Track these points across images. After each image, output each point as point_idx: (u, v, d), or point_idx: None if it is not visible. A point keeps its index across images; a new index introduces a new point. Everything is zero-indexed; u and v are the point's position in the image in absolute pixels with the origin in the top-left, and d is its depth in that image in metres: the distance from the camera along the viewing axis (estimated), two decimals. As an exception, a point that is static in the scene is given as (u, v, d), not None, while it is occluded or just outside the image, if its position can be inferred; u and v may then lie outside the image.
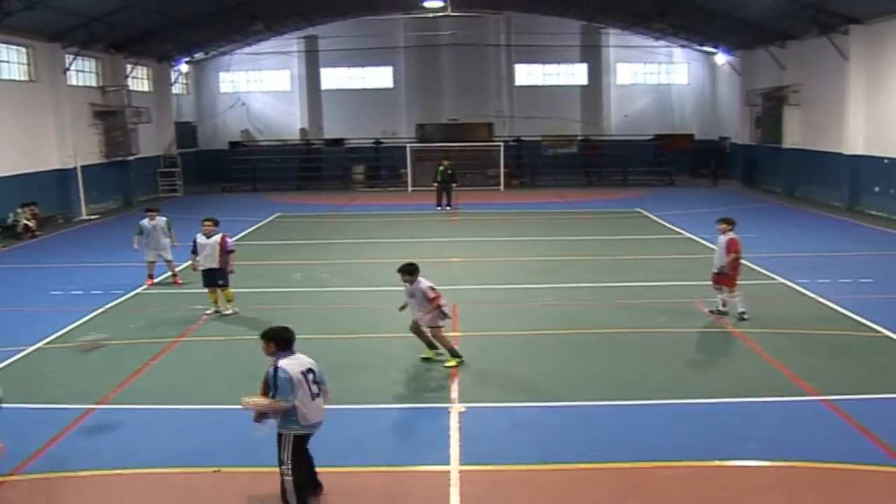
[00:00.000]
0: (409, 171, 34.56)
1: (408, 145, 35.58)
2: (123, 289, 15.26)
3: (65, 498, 7.27)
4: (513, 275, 16.50)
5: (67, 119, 26.46)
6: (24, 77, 25.15)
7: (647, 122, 38.90)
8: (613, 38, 38.53)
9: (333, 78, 39.31)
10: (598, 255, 18.70)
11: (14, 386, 9.53)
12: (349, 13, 36.67)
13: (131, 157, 30.56)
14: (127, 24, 26.46)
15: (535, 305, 13.93)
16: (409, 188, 33.72)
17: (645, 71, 39.91)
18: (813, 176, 28.61)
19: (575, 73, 39.47)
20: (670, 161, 36.28)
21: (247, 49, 38.21)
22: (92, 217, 26.85)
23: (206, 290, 13.48)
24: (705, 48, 36.55)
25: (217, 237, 13.18)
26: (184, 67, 37.00)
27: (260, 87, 40.02)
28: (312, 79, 39.10)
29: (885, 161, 24.07)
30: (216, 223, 13.40)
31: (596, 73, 38.98)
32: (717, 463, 7.59)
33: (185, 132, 37.85)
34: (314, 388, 6.42)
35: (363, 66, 39.14)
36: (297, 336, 6.65)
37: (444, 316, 10.48)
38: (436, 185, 28.07)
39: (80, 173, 26.76)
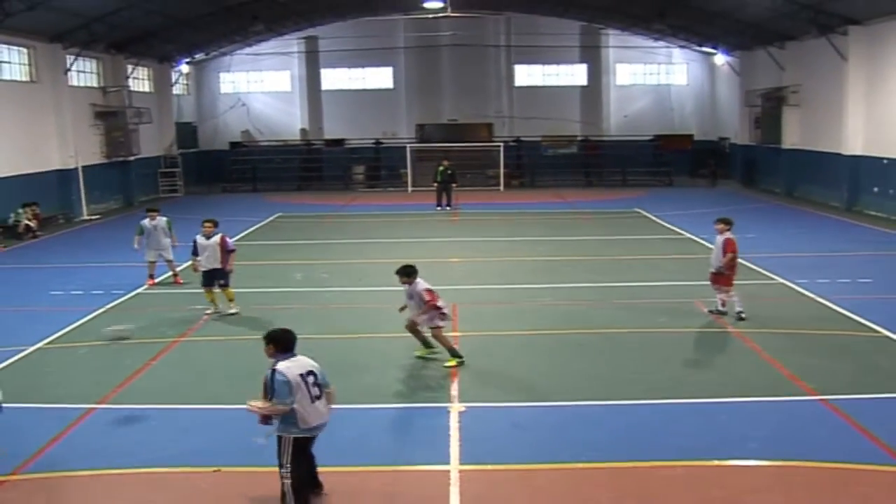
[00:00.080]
0: (409, 171, 34.58)
1: (408, 145, 35.61)
2: (124, 289, 15.29)
3: (65, 498, 7.29)
4: (512, 275, 16.52)
5: (68, 119, 26.49)
6: (25, 78, 25.17)
7: (647, 122, 38.94)
8: (613, 39, 38.56)
9: (334, 78, 39.34)
10: (598, 255, 18.72)
11: (14, 386, 9.57)
12: (349, 14, 36.71)
13: (132, 158, 30.58)
14: (128, 25, 26.48)
15: (535, 305, 13.95)
16: (409, 188, 33.74)
17: (644, 71, 39.94)
18: (812, 176, 28.63)
19: (574, 74, 39.49)
20: (669, 161, 36.30)
21: (247, 50, 38.24)
22: (93, 217, 26.87)
23: (206, 289, 13.44)
24: (704, 49, 36.58)
25: (217, 238, 13.22)
26: (184, 68, 37.03)
27: (260, 87, 40.05)
28: (313, 79, 39.12)
29: (884, 161, 24.09)
30: (216, 224, 13.44)
31: (595, 74, 39.00)
32: (717, 462, 7.61)
33: (186, 133, 37.88)
34: (314, 391, 6.37)
35: (363, 66, 39.16)
36: (297, 336, 6.63)
37: (444, 317, 10.52)
38: (436, 185, 28.09)
39: (81, 174, 26.78)
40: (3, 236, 22.05)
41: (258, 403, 6.36)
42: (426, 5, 31.68)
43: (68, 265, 18.62)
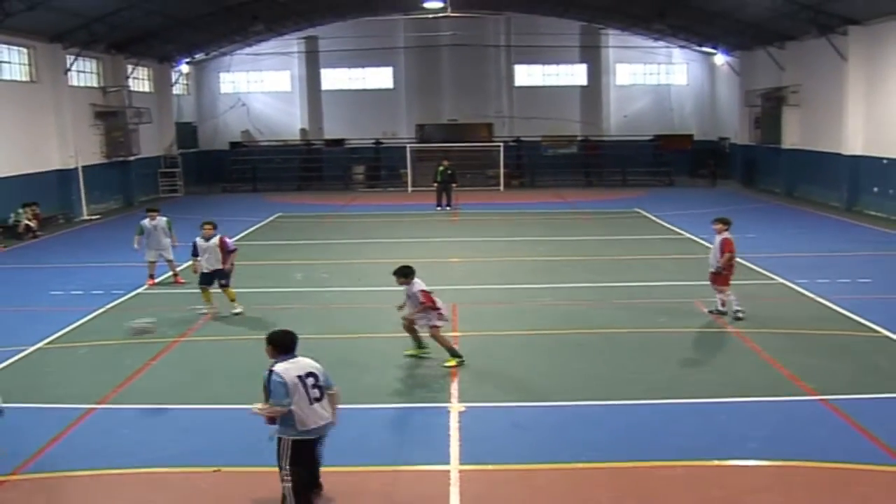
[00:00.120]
0: (409, 171, 34.59)
1: (408, 146, 35.61)
2: (124, 289, 15.29)
3: (65, 498, 7.29)
4: (512, 275, 16.52)
5: (68, 119, 26.50)
6: (25, 78, 25.18)
7: (647, 122, 38.94)
8: (613, 39, 38.56)
9: (333, 78, 39.34)
10: (598, 255, 18.73)
11: (14, 386, 9.59)
12: (349, 14, 36.72)
13: (132, 158, 30.59)
14: (128, 25, 26.48)
15: (535, 305, 13.96)
16: (409, 188, 33.75)
17: (644, 71, 39.95)
18: (812, 176, 28.64)
19: (574, 74, 39.50)
20: (669, 161, 36.31)
21: (247, 50, 38.25)
22: (93, 217, 26.87)
23: (203, 289, 13.41)
24: (704, 49, 36.59)
25: (216, 239, 13.22)
26: (184, 68, 37.04)
27: (260, 87, 40.05)
28: (313, 79, 39.13)
29: (884, 161, 24.10)
30: (215, 227, 13.46)
31: (595, 74, 39.01)
32: (716, 462, 7.61)
33: (186, 133, 37.88)
34: (314, 393, 6.31)
35: (363, 66, 39.17)
36: (298, 337, 6.58)
37: (443, 317, 10.52)
38: (436, 185, 28.09)
39: (81, 174, 26.78)
40: (3, 236, 22.05)
41: (259, 405, 6.35)
42: (426, 5, 31.69)
43: (68, 265, 18.62)
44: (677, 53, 39.20)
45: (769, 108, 31.10)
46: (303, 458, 6.41)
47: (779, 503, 6.87)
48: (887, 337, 11.47)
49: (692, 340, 11.80)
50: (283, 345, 6.42)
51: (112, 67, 29.97)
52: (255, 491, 7.19)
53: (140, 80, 32.86)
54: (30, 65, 25.31)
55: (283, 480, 6.36)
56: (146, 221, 15.86)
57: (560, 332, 12.11)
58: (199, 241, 13.31)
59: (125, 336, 11.91)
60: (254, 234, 22.83)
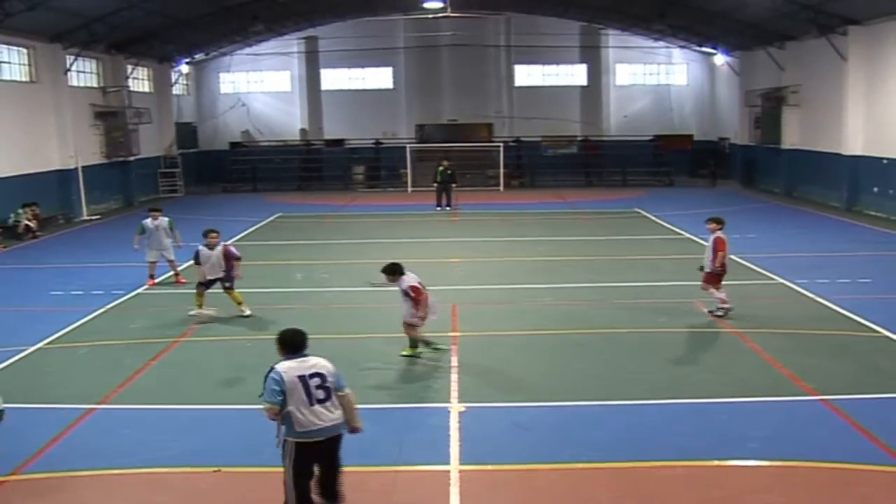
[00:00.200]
0: (409, 171, 34.58)
1: (408, 146, 35.60)
2: (124, 289, 15.29)
3: (65, 498, 7.27)
4: (512, 275, 16.52)
5: (68, 120, 26.49)
6: (25, 78, 25.17)
7: (647, 122, 38.94)
8: (613, 39, 38.55)
9: (333, 78, 39.33)
10: (598, 255, 18.73)
11: (14, 386, 9.59)
12: (349, 14, 36.71)
13: (132, 158, 30.58)
14: (128, 25, 26.48)
15: (535, 305, 13.95)
16: (409, 188, 33.74)
17: (644, 72, 39.94)
18: (812, 176, 28.64)
19: (574, 74, 39.49)
20: (669, 161, 36.31)
21: (247, 50, 38.24)
22: (93, 217, 26.87)
23: (200, 290, 13.18)
24: (704, 49, 36.59)
25: (220, 248, 13.12)
26: (184, 68, 37.02)
27: (260, 87, 40.05)
28: (312, 79, 39.12)
29: (884, 161, 24.10)
30: (219, 234, 13.40)
31: (595, 74, 39.00)
32: (716, 463, 7.61)
33: (186, 133, 37.87)
34: (318, 394, 6.14)
35: (363, 66, 39.16)
36: (307, 335, 6.44)
37: (423, 320, 10.49)
38: (436, 185, 28.08)
39: (80, 174, 26.77)
40: (3, 236, 22.04)
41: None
42: (426, 5, 31.69)
43: (68, 265, 18.62)
44: (677, 53, 39.20)
45: (769, 108, 31.10)
46: (308, 461, 6.25)
47: (779, 503, 6.87)
48: (887, 337, 11.47)
49: (692, 340, 11.80)
50: (290, 344, 6.32)
51: (112, 67, 29.97)
52: (255, 491, 7.19)
53: (140, 80, 32.86)
54: (30, 65, 25.30)
55: (284, 482, 6.26)
56: (148, 221, 15.83)
57: (560, 332, 12.11)
58: (202, 249, 13.09)
59: (126, 336, 11.88)
60: (254, 235, 22.83)
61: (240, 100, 39.59)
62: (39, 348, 11.58)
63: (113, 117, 29.46)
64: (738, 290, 13.61)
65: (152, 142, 33.00)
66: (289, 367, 6.17)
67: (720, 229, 12.63)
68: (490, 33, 38.14)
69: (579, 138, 38.59)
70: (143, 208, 20.19)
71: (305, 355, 6.31)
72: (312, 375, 6.19)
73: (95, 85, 29.44)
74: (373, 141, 37.99)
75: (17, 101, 24.39)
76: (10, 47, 24.33)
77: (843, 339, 11.53)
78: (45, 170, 25.63)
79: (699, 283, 12.97)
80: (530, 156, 37.93)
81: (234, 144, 39.18)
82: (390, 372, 10.36)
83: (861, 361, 10.48)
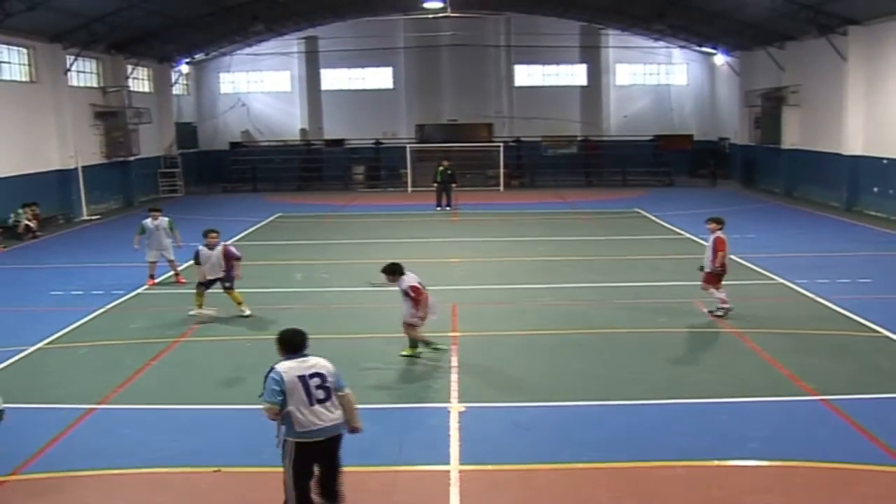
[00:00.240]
0: (409, 171, 34.58)
1: (408, 146, 35.60)
2: (124, 289, 15.29)
3: (65, 498, 7.27)
4: (512, 275, 16.52)
5: (68, 120, 26.49)
6: (25, 78, 25.18)
7: (647, 122, 38.94)
8: (613, 39, 38.56)
9: (333, 79, 39.34)
10: (598, 255, 18.73)
11: (14, 386, 9.59)
12: (349, 14, 36.72)
13: (132, 158, 30.58)
14: (128, 25, 26.48)
15: (535, 305, 13.95)
16: (409, 188, 33.74)
17: (644, 72, 39.95)
18: (812, 176, 28.64)
19: (574, 74, 39.50)
20: (669, 161, 36.31)
21: (247, 50, 38.25)
22: (93, 217, 26.87)
23: (200, 290, 13.19)
24: (704, 49, 36.59)
25: (220, 248, 13.13)
26: (184, 68, 37.02)
27: (260, 87, 40.05)
28: (312, 79, 39.13)
29: (884, 161, 24.10)
30: (219, 234, 13.40)
31: (595, 74, 39.01)
32: (716, 463, 7.61)
33: (186, 133, 37.87)
34: (318, 394, 6.14)
35: (363, 66, 39.17)
36: (307, 335, 6.43)
37: (422, 320, 10.50)
38: (436, 185, 28.08)
39: (80, 174, 26.77)
40: (3, 236, 22.04)
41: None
42: (426, 5, 31.70)
43: (68, 265, 18.62)
44: (677, 54, 39.20)
45: (769, 108, 31.10)
46: (308, 461, 6.24)
47: (779, 503, 6.87)
48: (887, 337, 11.47)
49: (692, 340, 11.81)
50: (290, 344, 6.31)
51: (112, 67, 29.97)
52: (255, 491, 7.19)
53: (140, 80, 32.86)
54: (30, 65, 25.30)
55: (284, 483, 6.26)
56: (148, 221, 15.82)
57: (560, 332, 12.11)
58: (202, 249, 13.08)
59: (126, 336, 11.89)
60: (254, 235, 22.83)
61: (240, 100, 39.60)
62: (39, 348, 11.58)
63: (113, 117, 29.46)
64: (738, 290, 13.60)
65: (152, 142, 33.00)
66: (289, 367, 6.16)
67: (720, 229, 12.64)
68: (490, 33, 38.15)
69: (579, 138, 38.59)
70: (143, 208, 20.18)
71: (305, 355, 6.30)
72: (312, 375, 6.19)
73: (95, 85, 29.44)
74: (373, 141, 37.99)
75: (17, 101, 24.39)
76: (10, 47, 24.33)
77: (843, 339, 11.53)
78: (45, 170, 25.64)
79: (699, 283, 12.97)
80: (530, 156, 37.93)
81: (234, 144, 39.18)
82: (390, 372, 10.36)
83: (861, 361, 10.48)
